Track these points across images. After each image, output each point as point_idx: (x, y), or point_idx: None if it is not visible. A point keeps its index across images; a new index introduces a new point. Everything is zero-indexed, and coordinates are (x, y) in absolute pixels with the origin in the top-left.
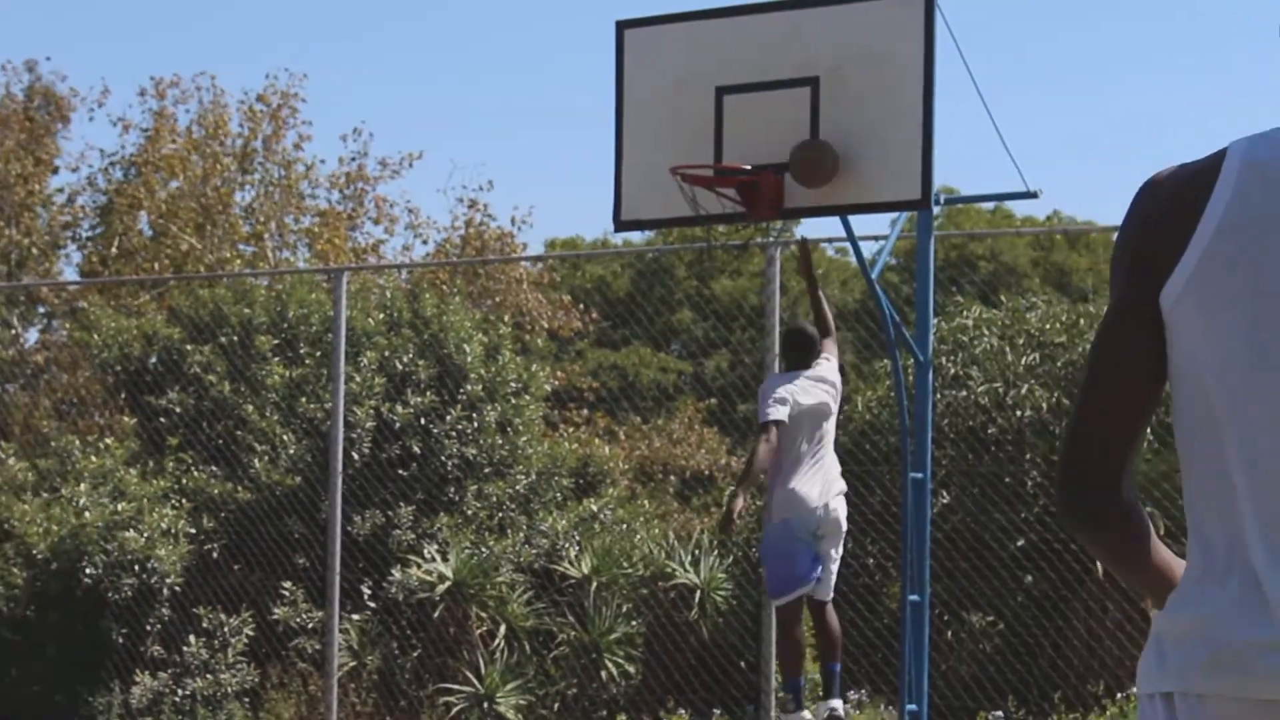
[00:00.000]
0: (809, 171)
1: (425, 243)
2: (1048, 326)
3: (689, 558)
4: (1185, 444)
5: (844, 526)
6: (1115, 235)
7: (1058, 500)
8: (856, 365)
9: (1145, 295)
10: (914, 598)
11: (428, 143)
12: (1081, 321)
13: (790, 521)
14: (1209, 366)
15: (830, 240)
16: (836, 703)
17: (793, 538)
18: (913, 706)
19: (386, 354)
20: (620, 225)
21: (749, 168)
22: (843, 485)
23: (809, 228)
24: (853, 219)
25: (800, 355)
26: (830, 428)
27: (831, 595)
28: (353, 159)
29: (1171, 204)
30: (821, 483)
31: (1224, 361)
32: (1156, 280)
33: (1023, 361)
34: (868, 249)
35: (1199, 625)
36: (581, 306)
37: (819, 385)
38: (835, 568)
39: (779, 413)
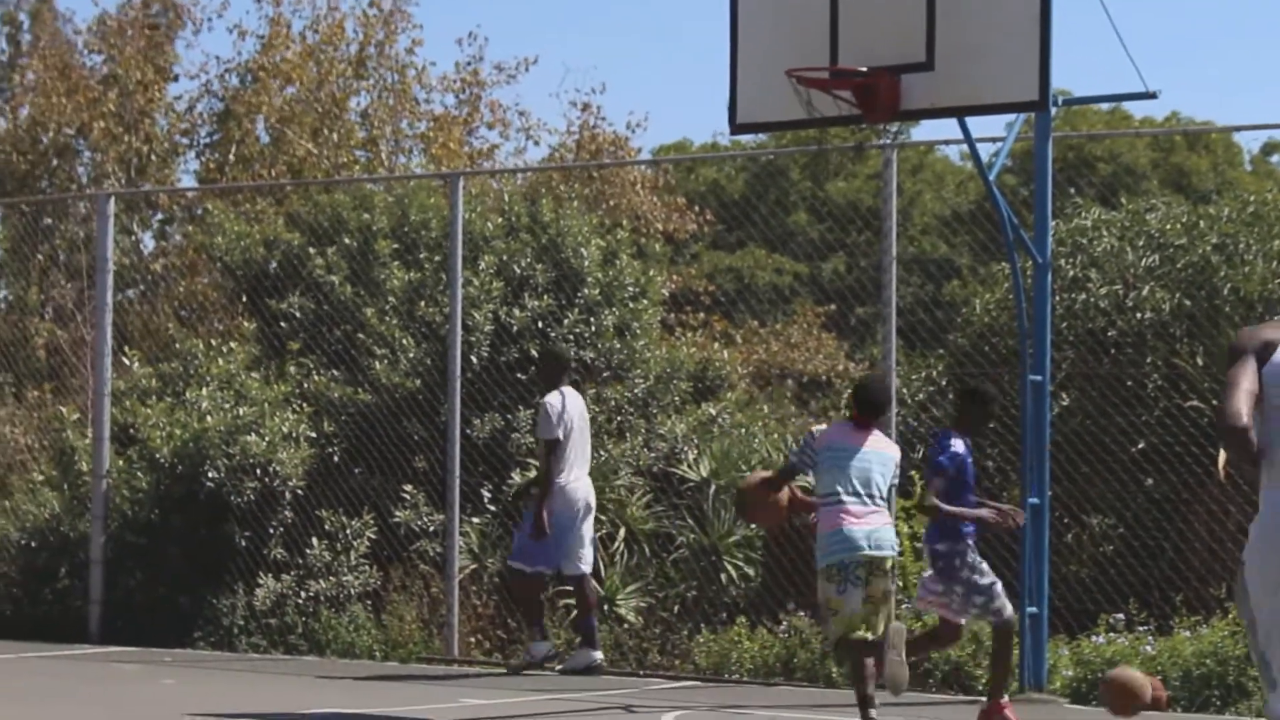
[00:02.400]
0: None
1: (538, 145)
2: (1168, 228)
3: None
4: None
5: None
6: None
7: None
8: (973, 268)
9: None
10: (1034, 500)
11: (541, 47)
12: (1201, 223)
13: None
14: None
15: (947, 142)
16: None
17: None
18: (1033, 609)
19: (505, 258)
20: (736, 128)
21: (864, 70)
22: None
23: (926, 129)
24: (968, 121)
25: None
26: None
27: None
28: (468, 63)
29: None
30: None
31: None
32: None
33: (1143, 263)
34: (984, 151)
35: None
36: (696, 209)
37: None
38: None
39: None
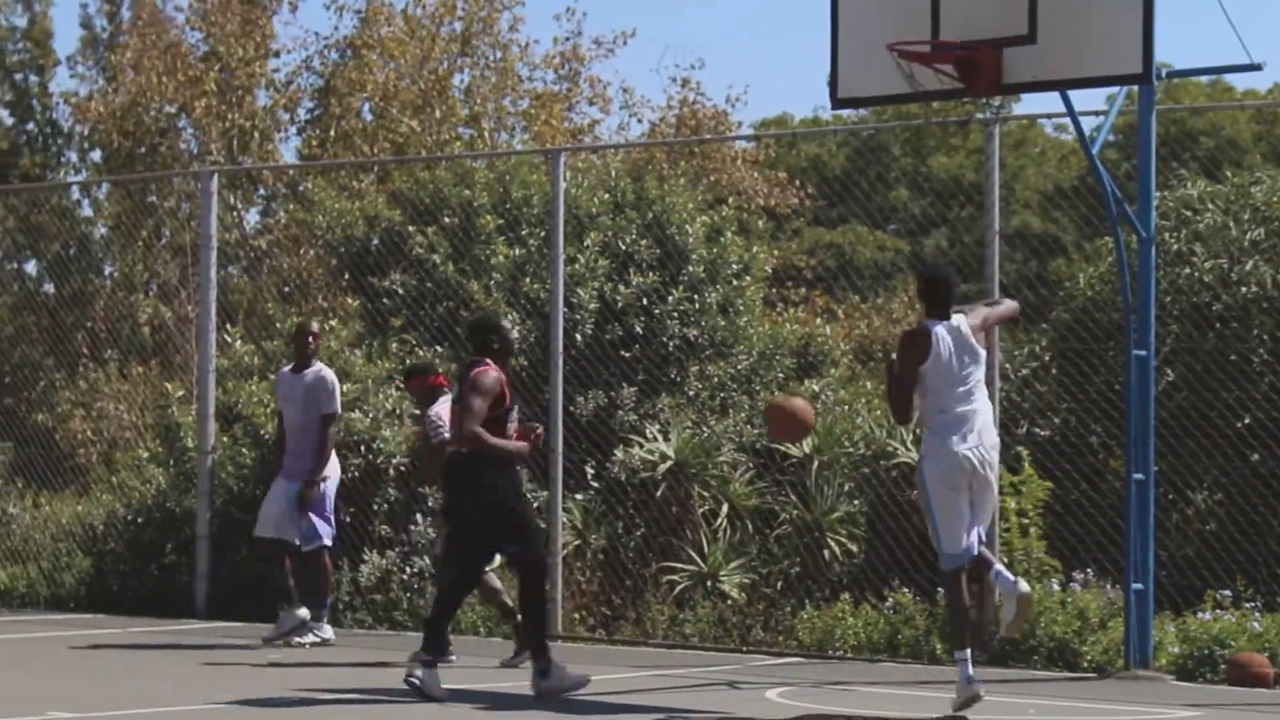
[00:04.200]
0: None
1: (641, 122)
2: (1273, 201)
3: (910, 437)
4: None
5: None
6: None
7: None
8: (1078, 242)
9: None
10: (1138, 476)
11: (640, 21)
12: None
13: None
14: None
15: (1049, 116)
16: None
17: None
18: (1139, 586)
19: (610, 235)
20: (837, 103)
21: (966, 43)
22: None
23: (1028, 103)
24: (1070, 94)
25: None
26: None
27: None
28: (567, 39)
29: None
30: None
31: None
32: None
33: (1248, 237)
34: (1086, 125)
35: None
36: (798, 183)
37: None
38: None
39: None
